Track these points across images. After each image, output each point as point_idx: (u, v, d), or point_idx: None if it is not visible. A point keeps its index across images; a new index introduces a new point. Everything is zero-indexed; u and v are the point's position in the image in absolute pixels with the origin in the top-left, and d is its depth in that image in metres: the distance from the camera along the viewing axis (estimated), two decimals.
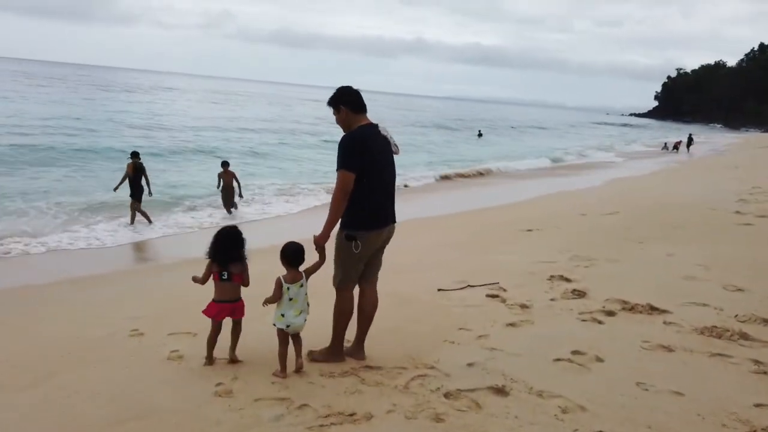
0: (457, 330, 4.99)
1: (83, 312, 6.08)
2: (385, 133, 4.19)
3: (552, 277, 6.63)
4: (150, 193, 11.48)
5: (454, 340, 4.78)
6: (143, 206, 11.26)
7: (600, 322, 5.16)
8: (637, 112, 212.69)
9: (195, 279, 4.32)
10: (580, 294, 5.95)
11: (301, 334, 4.17)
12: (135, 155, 11.48)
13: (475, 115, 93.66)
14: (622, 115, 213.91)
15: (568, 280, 6.51)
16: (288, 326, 4.09)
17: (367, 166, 3.98)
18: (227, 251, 4.22)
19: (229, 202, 12.55)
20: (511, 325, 5.12)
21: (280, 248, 4.13)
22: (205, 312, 4.30)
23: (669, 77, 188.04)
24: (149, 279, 8.02)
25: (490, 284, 6.38)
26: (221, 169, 12.55)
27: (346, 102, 4.15)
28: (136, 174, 11.13)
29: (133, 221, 11.13)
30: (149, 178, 11.46)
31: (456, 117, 79.42)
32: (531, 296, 5.92)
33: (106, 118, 31.85)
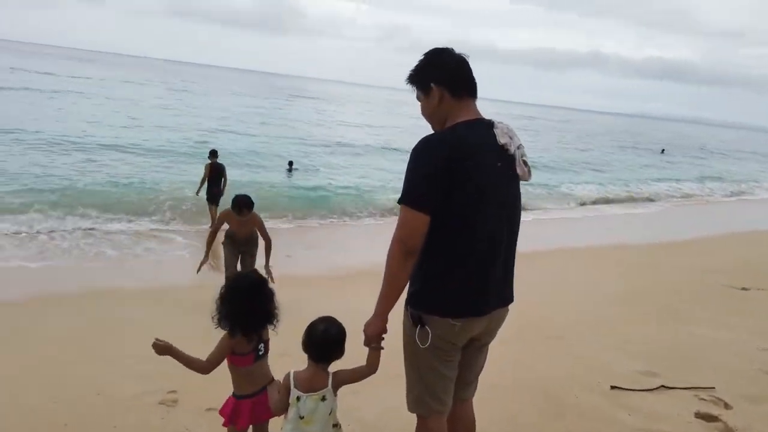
0: None
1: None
2: (507, 140, 2.28)
3: None
4: (222, 193, 10.13)
5: None
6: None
7: None
8: None
9: (190, 364, 2.62)
10: None
11: None
12: (213, 154, 10.49)
13: (655, 133, 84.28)
14: None
15: None
16: None
17: (458, 201, 2.17)
18: (257, 311, 2.60)
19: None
20: None
21: (306, 330, 2.43)
22: (224, 412, 2.72)
23: None
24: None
25: (699, 389, 4.05)
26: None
27: (440, 77, 2.30)
28: (212, 174, 10.16)
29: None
30: (227, 177, 10.35)
31: (633, 133, 71.98)
32: None
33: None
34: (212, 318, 2.57)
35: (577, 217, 14.75)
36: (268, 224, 10.26)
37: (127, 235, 9.27)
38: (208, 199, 10.21)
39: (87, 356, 4.46)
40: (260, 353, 2.64)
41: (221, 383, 3.93)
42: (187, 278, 7.29)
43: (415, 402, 2.37)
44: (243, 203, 5.44)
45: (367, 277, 7.69)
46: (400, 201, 2.18)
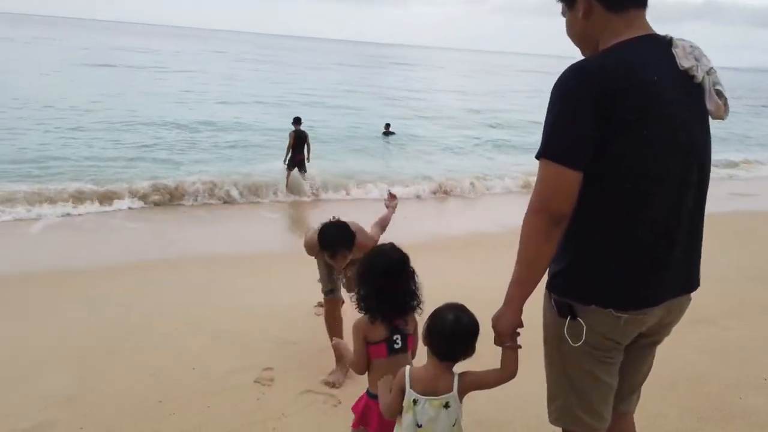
0: None
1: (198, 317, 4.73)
2: (692, 63, 1.65)
3: None
4: (308, 159, 10.37)
5: None
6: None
7: None
8: None
9: (339, 350, 2.52)
10: None
11: None
12: (296, 121, 10.48)
13: None
14: None
15: None
16: None
17: (622, 150, 1.58)
18: (396, 292, 2.16)
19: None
20: None
21: (429, 319, 1.95)
22: (356, 410, 2.36)
23: None
24: None
25: None
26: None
27: None
28: (295, 142, 10.26)
29: (287, 186, 10.10)
30: (310, 144, 10.46)
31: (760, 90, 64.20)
32: None
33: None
34: (351, 298, 2.34)
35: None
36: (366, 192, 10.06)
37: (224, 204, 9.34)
38: (288, 166, 10.24)
39: (183, 326, 4.31)
40: (395, 346, 2.18)
41: (320, 361, 3.67)
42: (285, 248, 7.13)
43: (560, 414, 1.83)
44: (336, 243, 3.20)
45: (467, 248, 7.28)
46: (539, 155, 1.63)
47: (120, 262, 6.08)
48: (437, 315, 1.92)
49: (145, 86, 24.01)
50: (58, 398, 3.23)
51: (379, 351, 2.18)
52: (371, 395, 2.23)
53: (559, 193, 1.59)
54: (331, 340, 3.29)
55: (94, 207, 8.31)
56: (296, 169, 10.22)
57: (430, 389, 1.91)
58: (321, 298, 4.93)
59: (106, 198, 8.62)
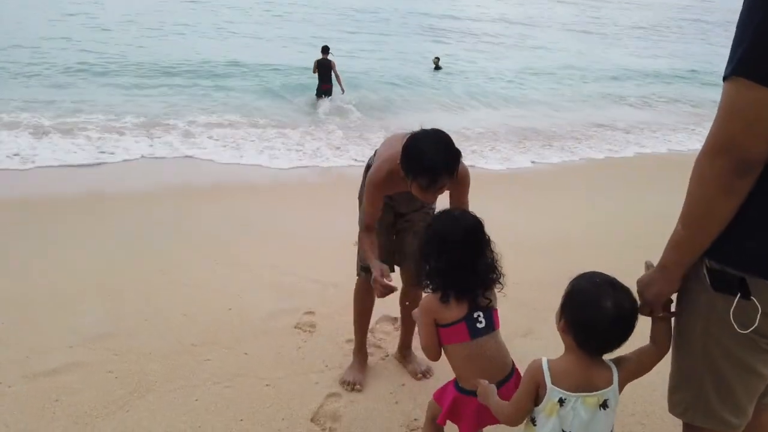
0: None
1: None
2: None
3: None
4: (342, 90, 10.62)
5: None
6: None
7: None
8: None
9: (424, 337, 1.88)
10: None
11: None
12: (323, 50, 10.52)
13: None
14: None
15: None
16: None
17: None
18: (474, 267, 1.78)
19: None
20: None
21: (572, 300, 1.50)
22: (442, 402, 1.93)
23: None
24: None
25: None
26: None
27: None
28: (320, 70, 10.46)
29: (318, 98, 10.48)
30: (339, 74, 10.57)
31: None
32: None
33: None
34: (416, 277, 1.92)
35: None
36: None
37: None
38: (317, 95, 10.55)
39: (222, 262, 4.06)
40: (478, 325, 1.78)
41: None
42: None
43: (690, 407, 1.46)
44: (439, 164, 2.09)
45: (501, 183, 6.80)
46: (729, 74, 1.17)
47: (160, 186, 5.89)
48: (588, 303, 1.44)
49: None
50: (89, 335, 3.04)
51: (458, 333, 1.78)
52: (462, 390, 1.84)
53: (755, 128, 1.14)
54: (357, 324, 2.85)
55: None
56: (324, 97, 10.45)
57: (582, 384, 1.48)
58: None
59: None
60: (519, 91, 13.40)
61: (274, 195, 5.94)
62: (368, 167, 2.55)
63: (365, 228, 2.45)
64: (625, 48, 22.92)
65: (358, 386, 2.74)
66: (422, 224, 2.50)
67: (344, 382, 2.76)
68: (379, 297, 2.23)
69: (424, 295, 1.88)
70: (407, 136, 2.11)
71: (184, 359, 2.87)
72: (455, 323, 1.78)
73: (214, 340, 3.06)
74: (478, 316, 1.78)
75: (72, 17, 18.19)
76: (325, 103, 10.37)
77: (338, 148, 7.88)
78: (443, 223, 1.83)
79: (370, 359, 2.96)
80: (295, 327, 3.24)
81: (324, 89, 10.48)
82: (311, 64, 10.74)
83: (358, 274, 2.77)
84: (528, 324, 3.36)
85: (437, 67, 15.14)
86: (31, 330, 3.08)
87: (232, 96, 10.56)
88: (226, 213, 5.14)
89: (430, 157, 2.00)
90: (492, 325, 1.82)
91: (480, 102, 12.14)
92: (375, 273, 2.24)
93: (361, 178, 2.60)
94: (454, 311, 1.77)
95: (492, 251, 1.82)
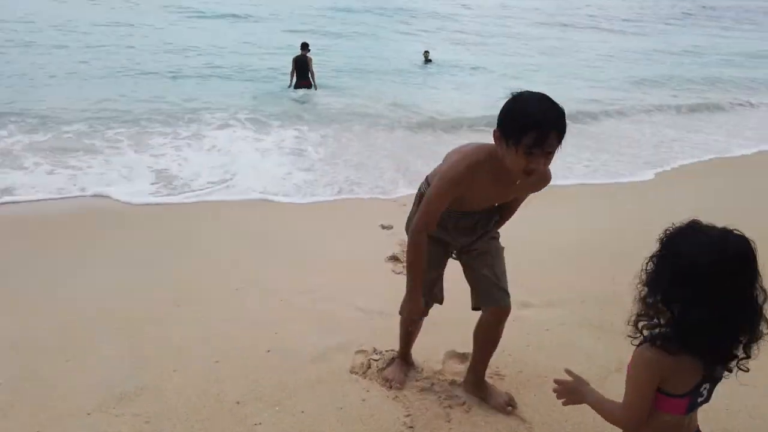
0: None
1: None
2: None
3: None
4: (314, 87, 10.71)
5: None
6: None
7: None
8: None
9: (603, 410, 1.45)
10: None
11: None
12: (302, 47, 10.69)
13: None
14: None
15: None
16: None
17: None
18: (737, 310, 1.23)
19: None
20: None
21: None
22: None
23: None
24: None
25: None
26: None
27: None
28: (298, 67, 10.60)
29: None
30: (314, 71, 10.71)
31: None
32: None
33: None
34: (630, 322, 1.36)
35: None
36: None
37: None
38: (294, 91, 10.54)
39: (247, 289, 3.59)
40: (700, 399, 1.36)
41: (424, 340, 2.91)
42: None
43: None
44: (549, 117, 1.82)
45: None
46: None
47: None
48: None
49: None
50: (109, 395, 2.54)
51: (677, 405, 1.34)
52: None
53: None
54: (403, 350, 2.73)
55: None
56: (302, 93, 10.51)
57: None
58: (393, 248, 4.19)
59: None
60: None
61: (295, 212, 5.44)
62: (421, 195, 2.29)
63: (423, 228, 2.14)
64: None
65: (396, 384, 2.61)
66: (493, 246, 2.35)
67: (385, 381, 2.64)
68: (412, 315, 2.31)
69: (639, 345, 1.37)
70: (512, 98, 1.88)
71: (229, 424, 2.40)
72: (683, 396, 1.33)
73: (259, 395, 2.58)
74: (704, 388, 1.34)
75: None
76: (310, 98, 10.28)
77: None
78: (699, 246, 1.23)
79: (450, 411, 2.51)
80: (351, 372, 2.77)
81: (302, 85, 10.58)
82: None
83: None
84: (618, 354, 2.93)
85: (427, 60, 14.72)
86: (41, 392, 2.58)
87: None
88: (241, 231, 4.66)
89: (539, 110, 1.80)
90: (710, 397, 1.38)
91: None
92: (414, 306, 2.28)
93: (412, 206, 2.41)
94: (688, 378, 1.31)
95: (761, 289, 1.26)
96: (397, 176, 6.40)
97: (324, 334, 3.10)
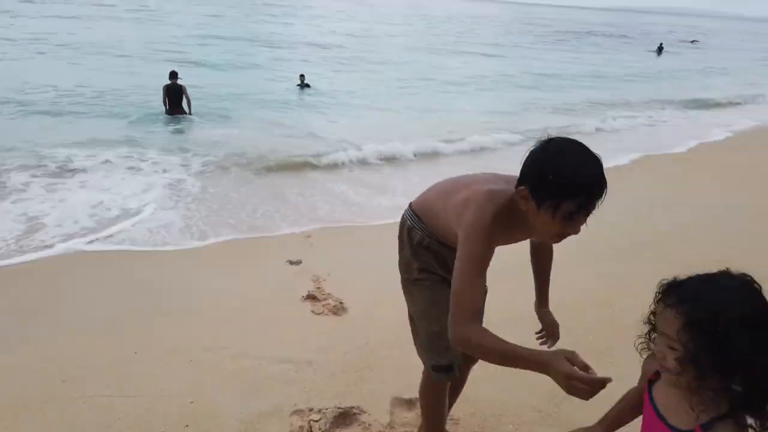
0: None
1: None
2: None
3: None
4: (190, 113, 10.47)
5: None
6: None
7: None
8: None
9: None
10: None
11: None
12: (171, 76, 10.34)
13: (643, 26, 79.72)
14: None
15: None
16: None
17: None
18: None
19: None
20: None
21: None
22: None
23: None
24: None
25: None
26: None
27: None
28: (170, 96, 10.34)
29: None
30: (190, 98, 10.47)
31: (619, 29, 66.93)
32: None
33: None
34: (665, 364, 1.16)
35: None
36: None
37: None
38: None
39: (145, 351, 3.07)
40: None
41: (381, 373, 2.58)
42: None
43: None
44: (601, 178, 1.49)
45: None
46: None
47: None
48: None
49: None
50: None
51: None
52: None
53: None
54: (433, 428, 2.20)
55: None
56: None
57: None
58: (306, 286, 3.88)
59: None
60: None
61: (182, 259, 4.84)
62: (410, 229, 1.92)
63: (472, 315, 1.53)
64: None
65: None
66: None
67: None
68: (585, 399, 1.36)
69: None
70: (543, 149, 1.50)
71: None
72: None
73: None
74: None
75: None
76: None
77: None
78: (739, 300, 1.09)
79: None
80: None
81: (176, 113, 10.28)
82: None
83: (433, 372, 1.99)
84: None
85: (303, 85, 14.39)
86: None
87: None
88: (124, 285, 4.06)
89: (585, 169, 1.44)
90: None
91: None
92: (568, 368, 1.35)
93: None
94: None
95: None
96: (286, 213, 5.93)
97: (249, 397, 2.71)
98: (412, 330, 2.06)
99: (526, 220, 1.56)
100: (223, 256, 4.76)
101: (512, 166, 1.67)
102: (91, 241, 4.94)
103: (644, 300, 1.28)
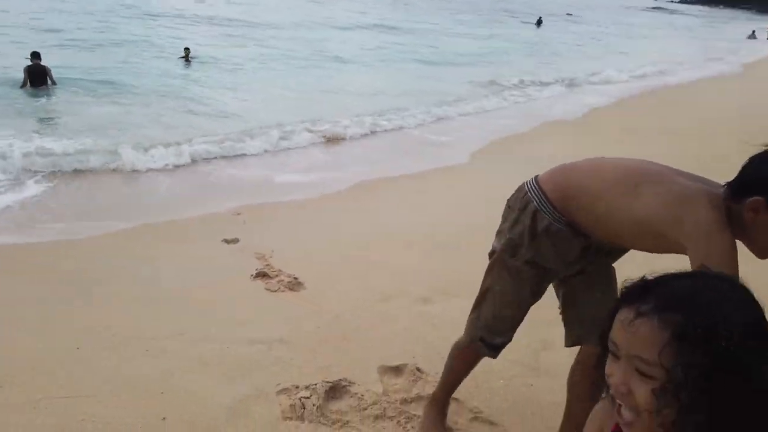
0: None
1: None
2: None
3: None
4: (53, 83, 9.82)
5: None
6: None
7: None
8: None
9: None
10: None
11: None
12: (33, 56, 9.71)
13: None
14: None
15: None
16: None
17: None
18: None
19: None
20: None
21: None
22: None
23: None
24: None
25: None
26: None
27: None
28: (32, 78, 9.62)
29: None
30: (54, 80, 9.80)
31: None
32: None
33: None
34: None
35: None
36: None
37: None
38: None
39: (93, 342, 2.75)
40: None
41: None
42: None
43: None
44: None
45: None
46: None
47: None
48: None
49: None
50: None
51: None
52: None
53: None
54: (448, 391, 2.21)
55: None
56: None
57: None
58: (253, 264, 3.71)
59: None
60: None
61: (103, 245, 4.38)
62: (536, 212, 1.72)
63: None
64: None
65: None
66: (603, 274, 1.81)
67: None
68: None
69: None
70: None
71: None
72: None
73: None
74: None
75: None
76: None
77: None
78: (742, 305, 0.80)
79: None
80: (284, 418, 2.29)
81: (40, 88, 9.61)
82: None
83: (475, 343, 1.96)
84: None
85: (188, 59, 13.53)
86: None
87: None
88: (45, 277, 3.61)
89: None
90: None
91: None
92: None
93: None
94: None
95: None
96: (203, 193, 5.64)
97: (227, 381, 2.53)
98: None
99: (740, 230, 1.45)
100: (142, 241, 4.36)
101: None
102: None
103: None
